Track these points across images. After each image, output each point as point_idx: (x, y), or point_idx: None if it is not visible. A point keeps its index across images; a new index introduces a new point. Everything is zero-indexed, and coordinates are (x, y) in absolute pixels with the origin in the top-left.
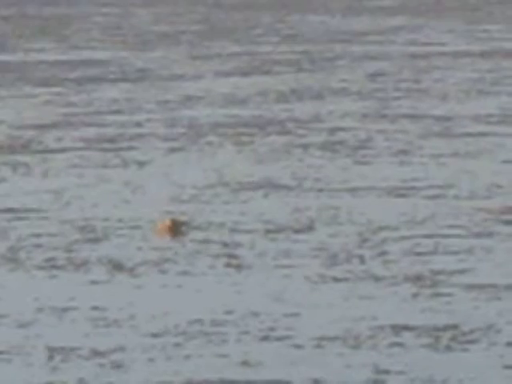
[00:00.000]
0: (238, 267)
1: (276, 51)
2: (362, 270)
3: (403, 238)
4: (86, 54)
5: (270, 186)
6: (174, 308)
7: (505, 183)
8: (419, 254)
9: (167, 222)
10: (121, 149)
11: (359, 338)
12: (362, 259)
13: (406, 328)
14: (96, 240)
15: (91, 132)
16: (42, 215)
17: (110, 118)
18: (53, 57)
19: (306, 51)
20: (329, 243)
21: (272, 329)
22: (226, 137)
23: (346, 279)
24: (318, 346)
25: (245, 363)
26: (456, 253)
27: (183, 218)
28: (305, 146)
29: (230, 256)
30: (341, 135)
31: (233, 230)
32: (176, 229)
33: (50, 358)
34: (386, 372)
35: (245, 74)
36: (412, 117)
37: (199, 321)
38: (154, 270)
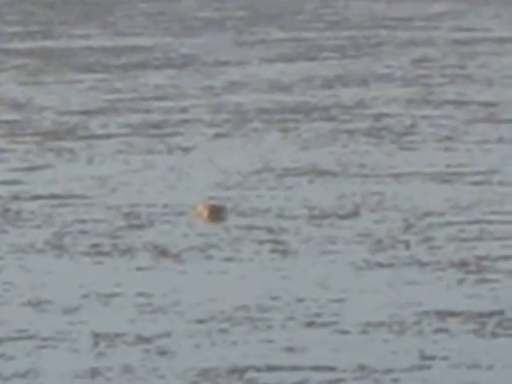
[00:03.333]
0: (283, 253)
1: (321, 37)
2: (407, 256)
3: (448, 223)
4: (130, 40)
5: (315, 172)
6: (219, 294)
7: None
8: (464, 239)
9: (205, 207)
10: (166, 135)
11: (404, 323)
12: (407, 245)
13: (451, 314)
14: (141, 226)
15: (136, 118)
16: (87, 201)
17: (155, 104)
18: (97, 43)
19: (350, 37)
20: (374, 229)
21: (317, 315)
22: (271, 123)
23: (391, 265)
24: (364, 332)
25: (290, 349)
26: (501, 239)
27: (221, 204)
28: (350, 132)
29: (275, 242)
30: (386, 121)
31: (278, 216)
32: (214, 214)
33: (96, 344)
34: (431, 358)
35: (290, 60)
36: (457, 103)
37: (244, 307)
38: (199, 256)
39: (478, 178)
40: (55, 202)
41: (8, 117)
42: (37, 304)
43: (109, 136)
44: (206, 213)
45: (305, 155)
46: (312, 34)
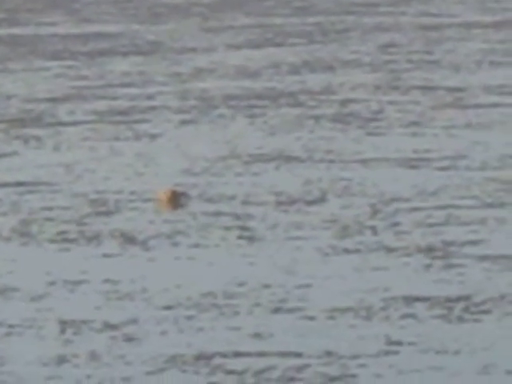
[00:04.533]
0: (250, 239)
1: (288, 23)
2: (374, 242)
3: (415, 209)
4: (97, 27)
5: (282, 157)
6: (186, 280)
7: None
8: (431, 225)
9: (167, 193)
10: (133, 121)
11: (371, 309)
12: (374, 230)
13: (418, 299)
14: (108, 213)
15: (103, 105)
16: (54, 188)
17: (122, 90)
18: (64, 30)
19: (317, 23)
20: (340, 215)
21: (284, 301)
22: (238, 109)
23: (357, 251)
24: (330, 318)
25: (257, 335)
26: (468, 224)
27: (182, 190)
28: (316, 118)
29: (242, 228)
30: (352, 107)
31: (244, 203)
32: (174, 200)
33: (62, 331)
34: (398, 343)
35: (256, 46)
36: (424, 88)
37: (211, 293)
38: (166, 243)
39: (445, 163)
40: (21, 189)
41: None
42: (3, 291)
43: (75, 123)
44: (165, 199)
45: (271, 141)
46: (279, 20)
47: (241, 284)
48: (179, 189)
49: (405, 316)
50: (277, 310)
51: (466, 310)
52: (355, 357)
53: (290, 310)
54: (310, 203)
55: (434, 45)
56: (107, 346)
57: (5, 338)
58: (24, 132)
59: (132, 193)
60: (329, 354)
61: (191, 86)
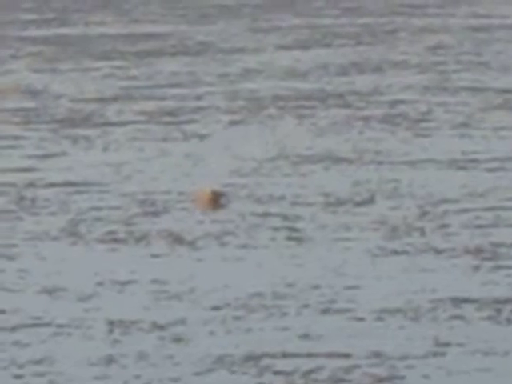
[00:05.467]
0: (299, 240)
1: (336, 24)
2: (423, 243)
3: (464, 210)
4: (146, 28)
5: (331, 158)
6: (234, 281)
7: None
8: (480, 226)
9: (207, 194)
10: (181, 122)
11: (419, 310)
12: (422, 232)
13: (467, 300)
14: (156, 213)
15: (152, 105)
16: (103, 188)
17: (171, 91)
18: (113, 30)
19: (366, 24)
20: (389, 216)
21: (332, 301)
22: (287, 110)
23: (406, 252)
24: (379, 319)
25: (305, 336)
26: None
27: (222, 190)
28: (365, 119)
29: (291, 229)
30: (401, 108)
31: (293, 203)
32: (213, 201)
33: (110, 331)
34: (446, 344)
35: (305, 46)
36: (473, 89)
37: (260, 294)
38: (215, 243)
39: (494, 164)
40: (70, 189)
41: (24, 104)
42: (52, 291)
43: (124, 123)
44: (206, 199)
45: (320, 142)
46: (328, 20)
47: (289, 285)
48: (220, 189)
49: (453, 317)
50: (325, 311)
51: None
52: (403, 358)
53: (339, 311)
54: (359, 204)
55: (483, 46)
56: (155, 346)
57: (53, 338)
58: (73, 132)
59: (180, 193)
60: (377, 354)
61: (240, 87)
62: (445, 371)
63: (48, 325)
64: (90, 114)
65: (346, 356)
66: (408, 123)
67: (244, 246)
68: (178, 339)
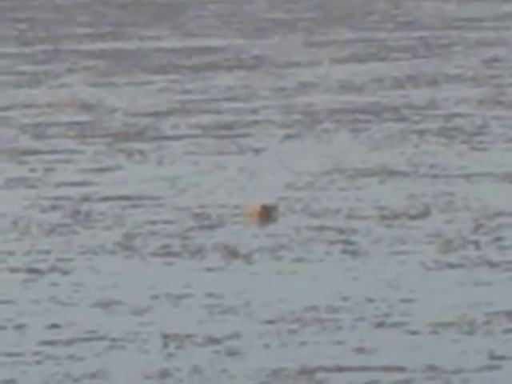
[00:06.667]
0: (354, 253)
1: (392, 37)
2: (478, 256)
3: None
4: (201, 42)
5: (386, 172)
6: (289, 295)
7: None
8: None
9: (256, 208)
10: (237, 136)
11: (474, 324)
12: (477, 245)
13: None
14: (211, 227)
15: (207, 119)
16: (158, 202)
17: (226, 104)
18: (168, 44)
19: (421, 37)
20: (444, 229)
21: (387, 315)
22: (342, 123)
23: (461, 265)
24: (434, 332)
25: (360, 350)
26: None
27: (273, 204)
28: (420, 133)
29: (346, 242)
30: (456, 121)
31: (348, 217)
32: (265, 215)
33: (165, 345)
34: (501, 358)
35: (360, 60)
36: None
37: (314, 307)
38: (269, 257)
39: None
40: (125, 203)
41: (78, 118)
42: (107, 305)
43: (179, 137)
44: (256, 213)
45: (375, 155)
46: (383, 34)
47: (344, 298)
48: (271, 203)
49: (508, 331)
50: (380, 325)
51: None
52: (458, 371)
53: (394, 325)
54: (414, 218)
55: None
56: (210, 360)
57: (108, 352)
58: (128, 146)
59: (236, 207)
60: (432, 368)
61: (295, 101)
62: None
63: (103, 338)
64: (145, 128)
65: (401, 370)
66: (463, 137)
67: (299, 260)
68: (232, 353)
